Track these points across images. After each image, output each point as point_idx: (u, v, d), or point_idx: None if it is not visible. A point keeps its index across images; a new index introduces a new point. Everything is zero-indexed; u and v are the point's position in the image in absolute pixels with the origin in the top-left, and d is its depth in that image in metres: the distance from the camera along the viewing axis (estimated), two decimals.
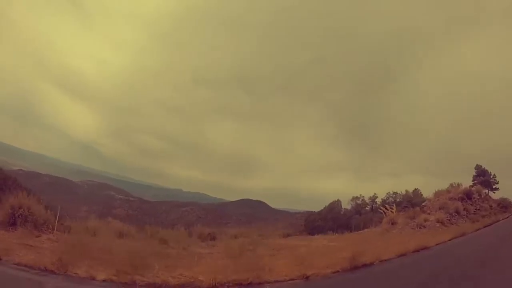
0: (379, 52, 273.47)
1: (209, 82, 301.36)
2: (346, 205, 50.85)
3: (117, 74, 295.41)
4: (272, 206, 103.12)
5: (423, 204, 29.25)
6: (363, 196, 49.59)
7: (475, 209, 28.01)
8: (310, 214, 66.59)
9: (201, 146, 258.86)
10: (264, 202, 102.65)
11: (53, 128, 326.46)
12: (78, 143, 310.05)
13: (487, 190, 33.80)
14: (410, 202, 33.83)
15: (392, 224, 24.07)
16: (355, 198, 49.97)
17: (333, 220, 44.65)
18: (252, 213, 79.06)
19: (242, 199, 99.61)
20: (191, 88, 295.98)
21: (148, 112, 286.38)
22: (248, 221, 64.08)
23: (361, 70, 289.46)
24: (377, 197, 47.33)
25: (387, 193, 43.22)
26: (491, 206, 29.89)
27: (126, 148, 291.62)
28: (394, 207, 27.72)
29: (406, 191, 38.98)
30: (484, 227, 22.86)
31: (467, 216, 26.28)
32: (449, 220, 24.20)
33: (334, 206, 50.97)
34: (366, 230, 28.21)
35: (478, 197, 29.86)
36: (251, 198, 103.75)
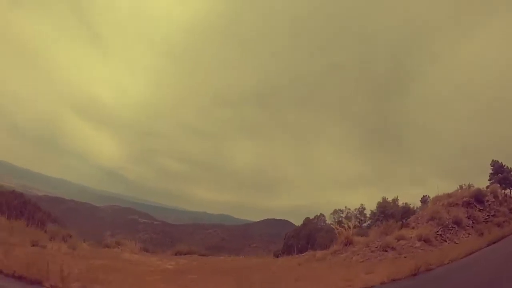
0: (393, 53, 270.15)
1: (229, 102, 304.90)
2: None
3: (137, 99, 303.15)
4: (297, 225, 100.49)
5: (415, 215, 21.81)
6: (349, 209, 42.86)
7: (487, 215, 20.90)
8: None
9: (224, 167, 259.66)
10: (288, 221, 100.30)
11: (76, 154, 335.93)
12: (102, 169, 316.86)
13: (508, 190, 26.28)
14: (391, 213, 24.85)
15: (346, 245, 17.70)
16: (337, 211, 43.23)
17: (307, 237, 40.71)
18: (276, 233, 76.95)
19: (267, 219, 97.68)
20: (211, 109, 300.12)
21: (169, 135, 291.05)
22: (273, 241, 62.05)
23: (377, 74, 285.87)
24: (364, 208, 40.50)
25: (378, 203, 31.72)
26: (511, 210, 22.56)
27: (150, 172, 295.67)
28: (351, 222, 19.14)
29: (383, 198, 27.96)
30: (494, 242, 15.69)
31: (472, 226, 19.39)
32: (441, 235, 17.50)
33: (309, 222, 46.37)
34: (318, 251, 18.68)
35: (494, 200, 22.68)
36: (275, 217, 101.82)
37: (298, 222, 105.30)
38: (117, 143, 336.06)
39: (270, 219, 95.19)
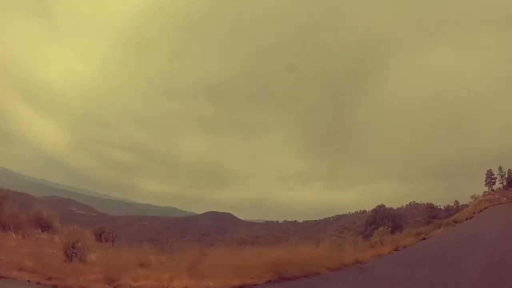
0: (348, 56, 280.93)
1: (178, 92, 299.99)
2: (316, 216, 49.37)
3: (84, 85, 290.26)
4: (241, 218, 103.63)
5: None
6: None
7: None
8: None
9: (171, 159, 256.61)
10: (232, 214, 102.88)
11: (17, 141, 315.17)
12: (44, 157, 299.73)
13: None
14: None
15: None
16: None
17: None
18: (218, 226, 79.48)
19: (209, 212, 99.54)
20: (160, 99, 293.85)
21: (116, 124, 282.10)
22: (209, 233, 64.60)
23: (331, 75, 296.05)
24: None
25: None
26: None
27: (95, 162, 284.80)
28: None
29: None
30: None
31: None
32: None
33: None
34: None
35: None
36: (217, 210, 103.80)
37: (242, 215, 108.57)
38: (62, 130, 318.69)
39: (212, 211, 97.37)
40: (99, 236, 30.80)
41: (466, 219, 36.15)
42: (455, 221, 35.49)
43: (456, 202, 53.31)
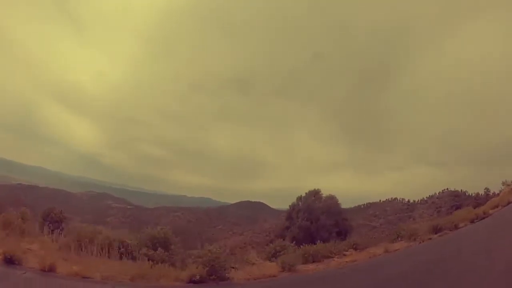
0: (376, 44, 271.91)
1: (206, 87, 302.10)
2: (346, 204, 47.13)
3: (114, 85, 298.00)
4: (273, 207, 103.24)
5: None
6: None
7: None
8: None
9: (203, 151, 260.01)
10: (264, 203, 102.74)
11: (54, 141, 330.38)
12: (81, 155, 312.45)
13: None
14: None
15: None
16: None
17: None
18: (250, 215, 79.29)
19: (242, 201, 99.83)
20: (188, 94, 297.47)
21: (147, 121, 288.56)
22: (239, 223, 64.33)
23: (359, 64, 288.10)
24: None
25: None
26: None
27: (128, 157, 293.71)
28: None
29: None
30: None
31: None
32: None
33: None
34: None
35: None
36: (250, 199, 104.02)
37: (274, 204, 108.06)
38: (96, 129, 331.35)
39: (245, 201, 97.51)
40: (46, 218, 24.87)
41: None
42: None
43: (487, 189, 45.79)
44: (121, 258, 15.16)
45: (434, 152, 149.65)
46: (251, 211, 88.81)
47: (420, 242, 17.62)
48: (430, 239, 18.05)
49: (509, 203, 24.47)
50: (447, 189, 61.30)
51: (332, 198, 38.10)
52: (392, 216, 60.60)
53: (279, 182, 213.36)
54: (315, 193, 37.94)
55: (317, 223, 35.01)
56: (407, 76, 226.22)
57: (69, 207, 72.48)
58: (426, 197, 63.06)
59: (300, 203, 38.46)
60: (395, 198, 68.66)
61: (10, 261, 11.08)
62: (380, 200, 73.98)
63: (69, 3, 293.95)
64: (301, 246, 19.09)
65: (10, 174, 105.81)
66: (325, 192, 39.06)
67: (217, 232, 57.36)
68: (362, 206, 77.21)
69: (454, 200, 52.83)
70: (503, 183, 34.96)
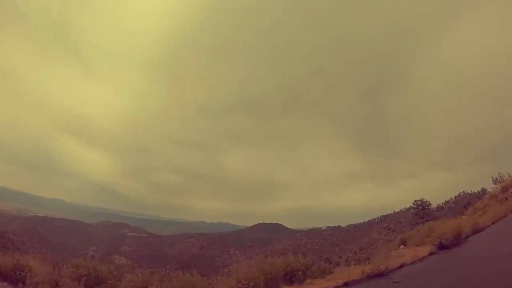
0: (378, 53, 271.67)
1: (213, 110, 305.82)
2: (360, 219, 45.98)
3: (123, 116, 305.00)
4: (290, 227, 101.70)
5: None
6: None
7: None
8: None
9: (217, 176, 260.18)
10: (280, 224, 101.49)
11: (71, 173, 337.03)
12: (96, 186, 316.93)
13: None
14: None
15: None
16: None
17: None
18: (266, 237, 78.05)
19: (258, 224, 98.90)
20: (197, 119, 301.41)
21: (159, 148, 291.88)
22: (254, 246, 63.24)
23: (362, 74, 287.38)
24: None
25: None
26: None
27: (144, 186, 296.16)
28: None
29: None
30: None
31: None
32: None
33: None
34: None
35: None
36: (268, 221, 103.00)
37: (291, 224, 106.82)
38: (109, 159, 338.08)
39: (261, 223, 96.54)
40: None
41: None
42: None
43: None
44: None
45: (448, 154, 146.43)
46: (267, 233, 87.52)
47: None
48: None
49: None
50: (464, 192, 59.11)
51: None
52: (407, 227, 58.73)
53: (295, 202, 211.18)
54: None
55: None
56: (414, 80, 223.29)
57: (84, 237, 72.98)
58: (442, 203, 60.81)
59: None
60: (409, 208, 66.63)
61: None
62: (394, 211, 72.19)
63: (75, 43, 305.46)
64: None
65: (29, 207, 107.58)
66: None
67: (230, 256, 56.32)
68: (376, 219, 75.21)
69: (470, 204, 50.68)
70: None
